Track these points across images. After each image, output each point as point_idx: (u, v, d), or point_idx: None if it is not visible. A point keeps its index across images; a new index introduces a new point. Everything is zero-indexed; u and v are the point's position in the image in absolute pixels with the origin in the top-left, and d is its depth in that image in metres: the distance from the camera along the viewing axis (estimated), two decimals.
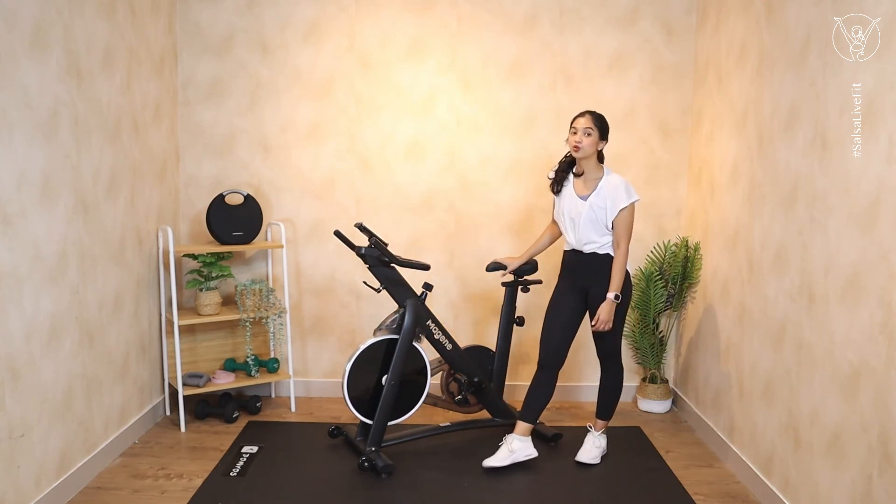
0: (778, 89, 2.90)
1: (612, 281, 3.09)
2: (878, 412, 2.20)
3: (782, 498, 2.78)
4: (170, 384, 3.83)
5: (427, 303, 3.55)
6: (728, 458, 3.31)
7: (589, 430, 3.39)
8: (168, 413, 3.85)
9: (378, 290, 3.37)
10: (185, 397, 3.75)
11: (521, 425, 3.24)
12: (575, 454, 3.34)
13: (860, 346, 2.29)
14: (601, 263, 3.14)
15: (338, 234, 3.39)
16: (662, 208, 4.09)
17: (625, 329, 4.11)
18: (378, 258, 3.30)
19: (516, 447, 3.22)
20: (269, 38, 4.00)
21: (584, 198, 3.12)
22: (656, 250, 4.04)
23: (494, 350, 3.65)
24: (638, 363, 4.16)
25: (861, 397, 2.29)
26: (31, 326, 2.62)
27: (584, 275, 3.19)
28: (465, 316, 4.17)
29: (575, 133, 3.09)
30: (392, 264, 3.33)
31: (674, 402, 4.09)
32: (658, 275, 3.97)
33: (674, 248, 4.00)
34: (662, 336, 4.07)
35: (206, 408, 3.80)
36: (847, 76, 2.39)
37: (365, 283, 3.57)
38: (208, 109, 4.03)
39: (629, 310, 4.08)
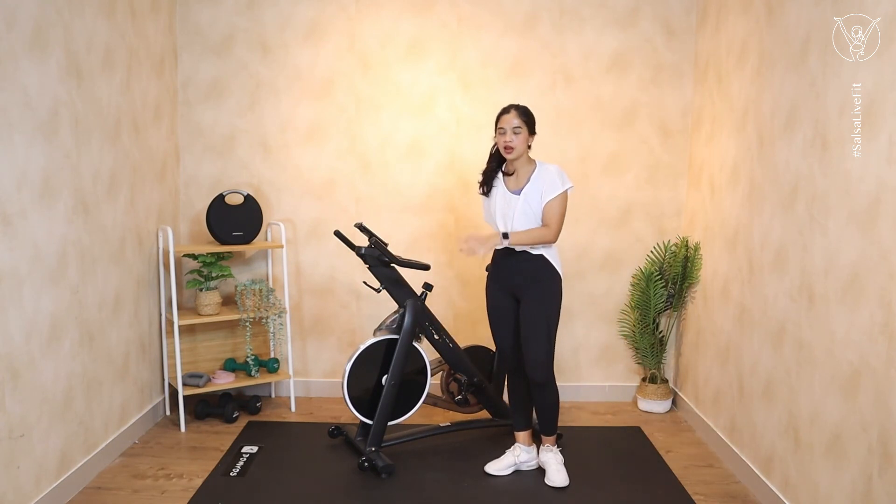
0: (778, 89, 2.90)
1: (522, 233, 2.87)
2: (878, 412, 2.20)
3: (782, 498, 2.78)
4: (170, 384, 3.83)
5: (427, 303, 3.54)
6: (728, 458, 3.31)
7: (547, 450, 3.17)
8: (168, 413, 3.85)
9: (378, 290, 3.37)
10: (185, 397, 3.75)
11: (521, 435, 3.23)
12: (575, 454, 3.34)
13: (860, 346, 2.29)
14: (534, 264, 2.97)
15: (338, 234, 3.39)
16: (662, 208, 4.09)
17: (625, 329, 4.13)
18: (378, 258, 3.30)
19: (524, 458, 3.21)
20: (269, 38, 4.00)
21: (518, 192, 2.95)
22: (656, 250, 4.05)
23: (494, 350, 3.65)
24: (638, 363, 4.16)
25: (861, 397, 2.29)
26: (31, 326, 2.62)
27: (514, 279, 3.02)
28: (465, 316, 4.17)
29: (504, 133, 2.90)
30: (392, 264, 3.33)
31: (674, 402, 4.09)
32: (658, 275, 3.97)
33: (674, 248, 4.00)
34: (662, 336, 4.07)
35: (206, 408, 3.80)
36: (847, 76, 2.39)
37: (365, 283, 3.57)
38: (208, 109, 4.03)
39: (634, 311, 4.10)
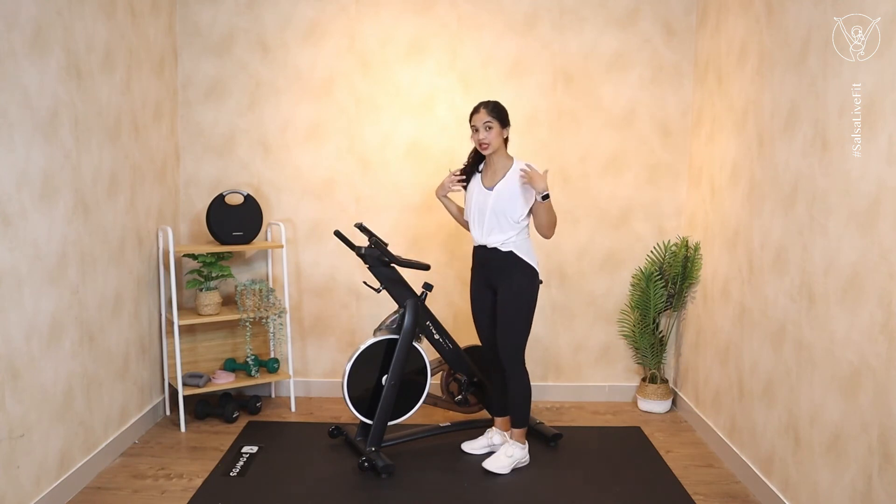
0: (778, 89, 2.90)
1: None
2: (878, 412, 2.21)
3: (782, 498, 2.78)
4: (170, 384, 3.83)
5: (427, 303, 3.55)
6: (728, 458, 3.31)
7: (508, 441, 3.24)
8: (168, 413, 3.85)
9: (378, 290, 3.37)
10: (185, 397, 3.75)
11: (497, 420, 3.42)
12: (575, 454, 3.35)
13: (860, 346, 2.30)
14: (505, 260, 3.07)
15: (338, 234, 3.39)
16: (662, 208, 4.09)
17: (625, 329, 4.13)
18: (378, 258, 3.30)
19: (497, 441, 3.36)
20: (269, 38, 3.99)
21: (491, 188, 3.06)
22: (656, 250, 4.05)
23: None
24: (638, 363, 4.16)
25: (861, 397, 2.29)
26: (31, 326, 2.62)
27: (492, 271, 3.14)
28: (465, 316, 4.17)
29: (477, 131, 3.03)
30: (392, 264, 3.33)
31: (674, 402, 4.09)
32: (658, 275, 3.97)
33: (674, 248, 4.00)
34: (662, 336, 4.07)
35: (206, 408, 3.80)
36: (847, 76, 2.39)
37: (365, 283, 3.57)
38: (208, 109, 4.03)
39: (634, 311, 4.10)
